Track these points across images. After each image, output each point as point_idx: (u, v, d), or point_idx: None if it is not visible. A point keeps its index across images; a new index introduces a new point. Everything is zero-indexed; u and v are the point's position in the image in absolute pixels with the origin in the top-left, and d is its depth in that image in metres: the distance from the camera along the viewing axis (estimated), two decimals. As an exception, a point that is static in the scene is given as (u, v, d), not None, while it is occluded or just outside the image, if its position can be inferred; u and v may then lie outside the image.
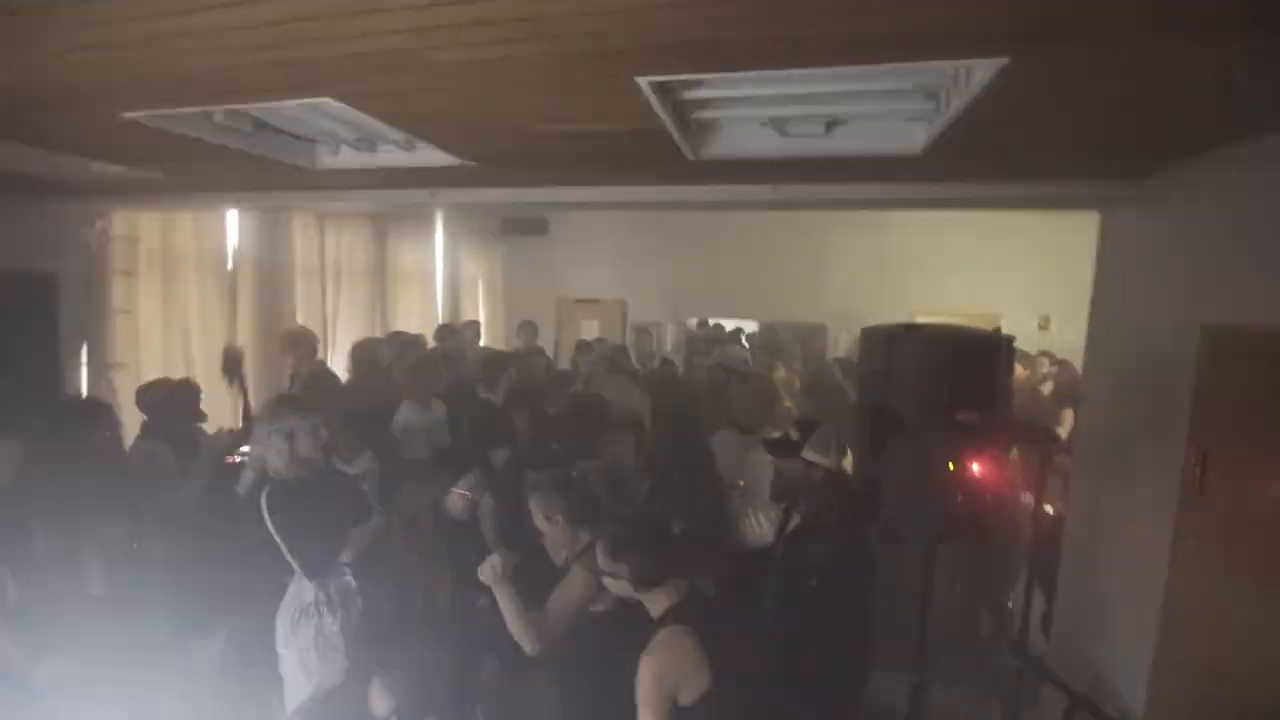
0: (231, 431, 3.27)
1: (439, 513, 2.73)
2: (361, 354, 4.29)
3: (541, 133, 2.26)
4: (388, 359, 4.46)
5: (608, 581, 1.97)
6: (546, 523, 2.35)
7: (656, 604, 1.90)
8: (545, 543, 2.52)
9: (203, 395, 3.34)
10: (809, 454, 2.60)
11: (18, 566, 2.14)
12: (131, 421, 4.04)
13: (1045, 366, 5.50)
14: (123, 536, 2.42)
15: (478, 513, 2.76)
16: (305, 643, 2.24)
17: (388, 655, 2.16)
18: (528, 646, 2.11)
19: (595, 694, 2.12)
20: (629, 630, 1.98)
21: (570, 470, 2.59)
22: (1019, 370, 4.62)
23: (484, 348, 5.46)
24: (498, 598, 2.11)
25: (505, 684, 2.36)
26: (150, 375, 4.20)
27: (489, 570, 2.10)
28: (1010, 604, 4.12)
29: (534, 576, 2.28)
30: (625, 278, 8.45)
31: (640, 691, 1.75)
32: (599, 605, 2.20)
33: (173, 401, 3.10)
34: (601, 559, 1.95)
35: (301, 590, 2.27)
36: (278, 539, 2.18)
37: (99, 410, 2.60)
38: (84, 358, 4.03)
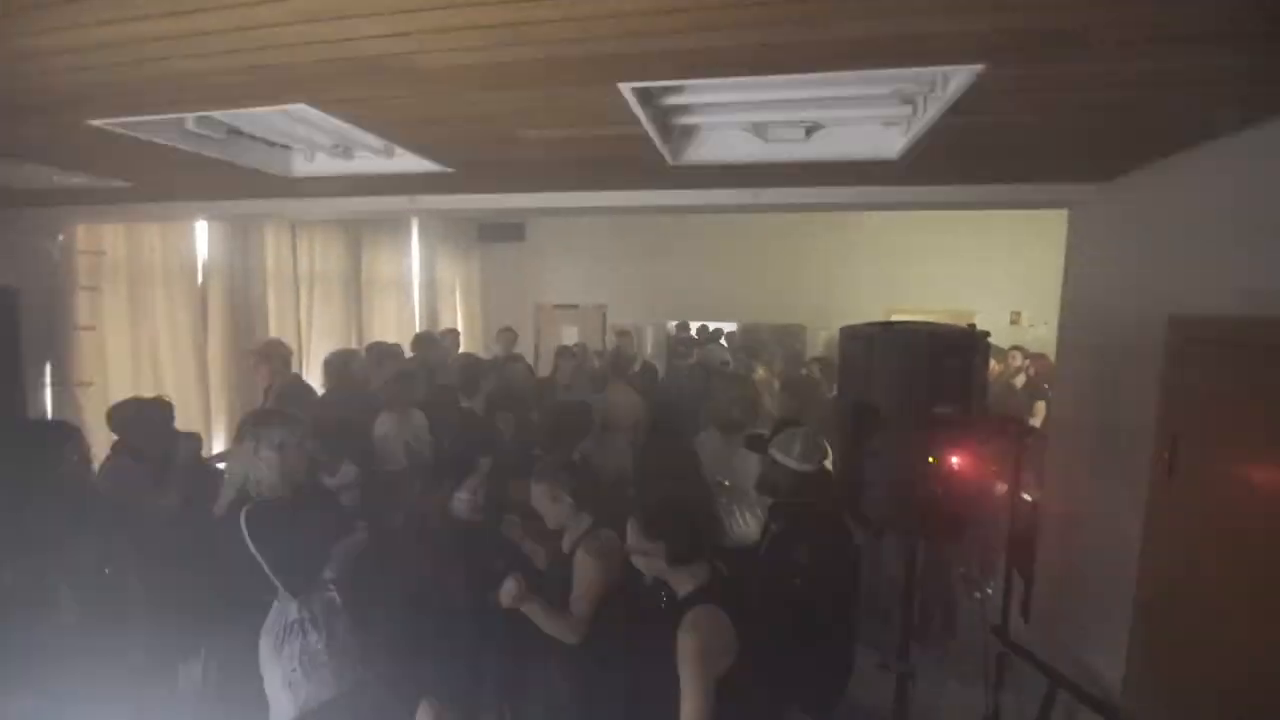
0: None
1: (446, 517, 2.74)
2: (336, 365, 4.22)
3: (522, 139, 2.26)
4: (364, 369, 4.40)
5: (638, 561, 1.98)
6: (553, 504, 2.40)
7: (684, 584, 1.92)
8: (528, 542, 2.59)
9: (175, 412, 3.26)
10: (774, 453, 2.63)
11: None
12: (100, 442, 3.94)
13: (1018, 360, 5.64)
14: (93, 562, 2.33)
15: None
16: (290, 661, 2.19)
17: (412, 669, 2.15)
18: (569, 641, 2.21)
19: (617, 676, 2.17)
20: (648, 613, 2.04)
21: (573, 455, 2.60)
22: (994, 366, 4.73)
23: (462, 354, 5.41)
24: (527, 614, 2.20)
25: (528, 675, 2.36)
26: (118, 393, 4.09)
27: (508, 595, 2.18)
28: (990, 590, 4.21)
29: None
30: (604, 282, 8.46)
31: (685, 667, 1.77)
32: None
33: (144, 419, 3.02)
34: (634, 539, 1.96)
35: (285, 609, 2.22)
36: (259, 558, 2.13)
37: (66, 432, 2.50)
38: (48, 376, 3.90)
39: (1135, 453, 2.35)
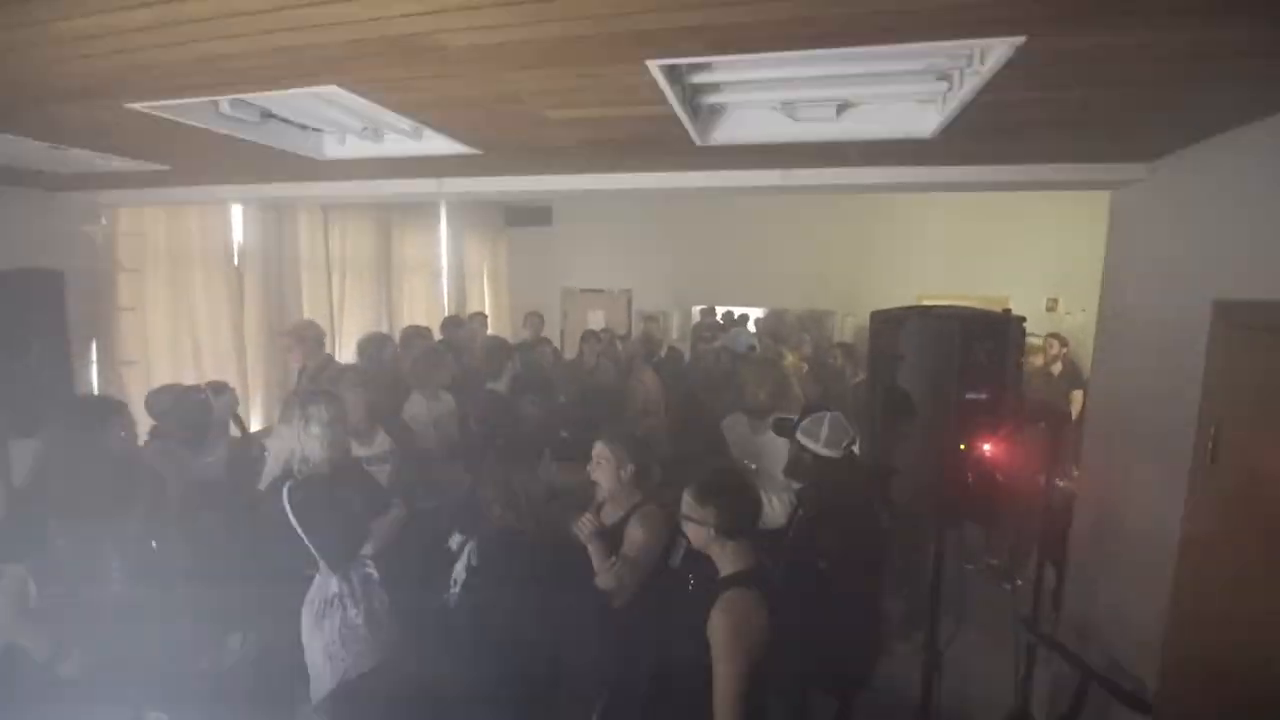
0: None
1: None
2: (368, 348, 4.30)
3: (550, 119, 2.25)
4: (395, 352, 4.48)
5: (689, 528, 1.99)
6: (616, 470, 2.42)
7: (728, 562, 1.93)
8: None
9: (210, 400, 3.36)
10: (801, 437, 2.62)
11: (38, 564, 2.16)
12: (144, 419, 4.08)
13: (1055, 348, 5.50)
14: (140, 534, 2.43)
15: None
16: (331, 634, 2.27)
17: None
18: (616, 599, 2.28)
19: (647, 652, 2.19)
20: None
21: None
22: (1032, 357, 4.63)
23: (488, 337, 5.47)
24: (590, 551, 2.29)
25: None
26: (159, 371, 4.23)
27: (584, 526, 2.29)
28: (1020, 581, 4.14)
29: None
30: (630, 267, 8.45)
31: (719, 646, 1.78)
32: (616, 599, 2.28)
33: (180, 408, 3.12)
34: (687, 505, 1.97)
35: (326, 583, 2.30)
36: (301, 533, 2.20)
37: (114, 408, 2.60)
38: (94, 355, 4.04)
39: (1176, 440, 2.28)
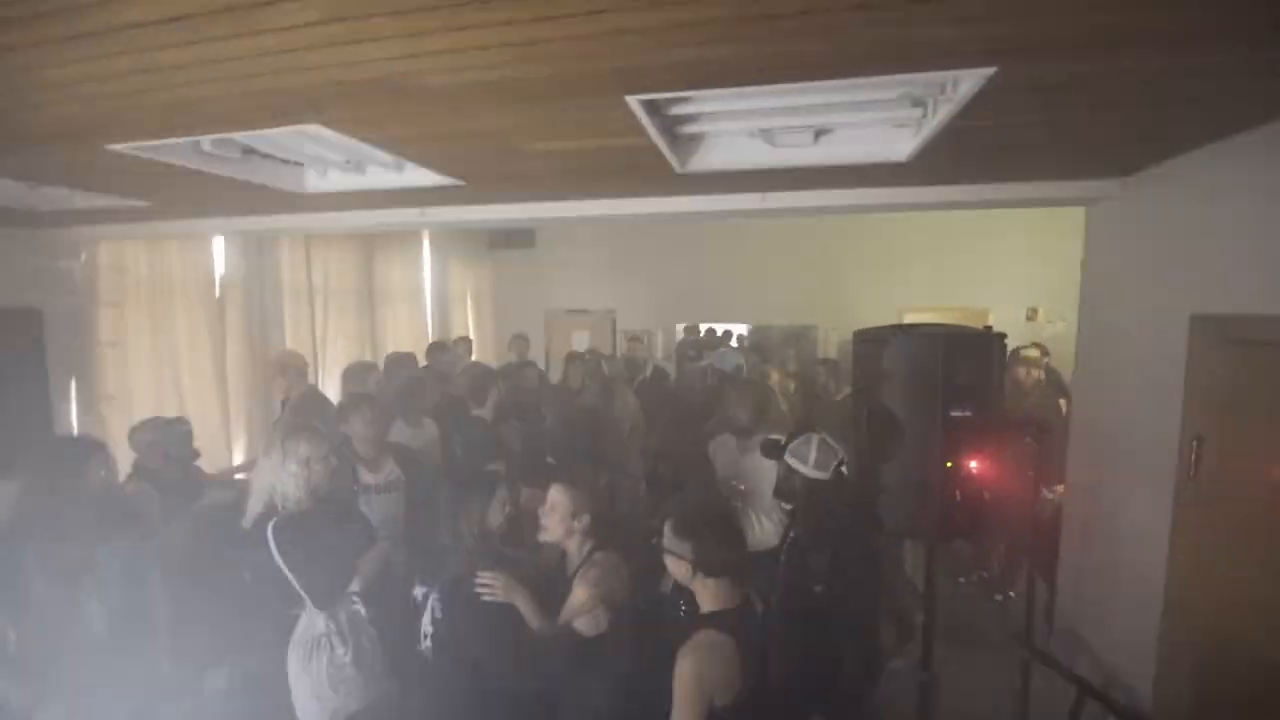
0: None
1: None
2: (354, 377, 4.26)
3: (531, 151, 2.27)
4: (379, 380, 4.44)
5: (669, 561, 1.92)
6: (571, 522, 2.23)
7: (708, 600, 1.86)
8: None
9: (193, 431, 3.31)
10: (790, 459, 2.62)
11: (17, 610, 2.11)
12: (124, 456, 4.00)
13: (1040, 359, 5.55)
14: (119, 575, 2.38)
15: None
16: (319, 674, 2.22)
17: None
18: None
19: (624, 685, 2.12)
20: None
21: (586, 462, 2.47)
22: (1020, 372, 4.68)
23: (470, 364, 5.46)
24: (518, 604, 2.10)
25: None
26: (141, 405, 4.16)
27: (495, 587, 2.08)
28: (1012, 594, 4.16)
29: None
30: (613, 287, 8.48)
31: (678, 690, 1.72)
32: (587, 630, 2.16)
33: (164, 441, 3.07)
34: (667, 538, 1.91)
35: (313, 621, 2.25)
36: (286, 571, 2.16)
37: (92, 448, 2.56)
38: (73, 391, 3.98)
39: (1159, 453, 2.32)
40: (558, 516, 2.23)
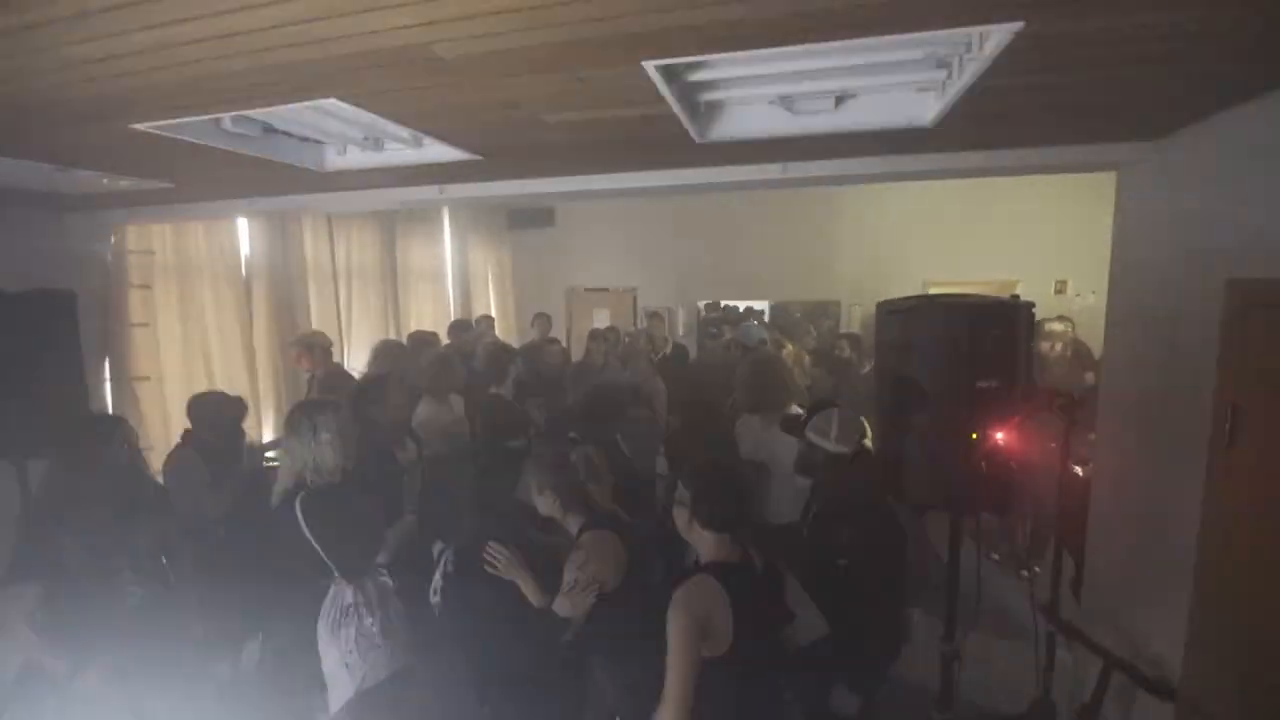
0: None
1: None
2: (382, 353, 4.32)
3: (549, 123, 2.25)
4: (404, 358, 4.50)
5: (675, 511, 1.95)
6: (539, 497, 2.33)
7: (706, 552, 1.88)
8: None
9: (247, 408, 3.41)
10: (810, 435, 2.59)
11: (54, 581, 2.20)
12: (158, 435, 4.12)
13: (1065, 333, 5.44)
14: (151, 547, 2.46)
15: None
16: (347, 644, 2.28)
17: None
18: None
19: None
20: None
21: (569, 452, 2.52)
22: (1046, 346, 4.59)
23: (489, 342, 5.50)
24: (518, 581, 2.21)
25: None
26: (172, 386, 4.28)
27: (499, 559, 2.19)
28: (1038, 569, 4.12)
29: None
30: (634, 265, 8.45)
31: (670, 633, 1.71)
32: (562, 612, 2.18)
33: (219, 416, 3.16)
34: (678, 488, 1.94)
35: (341, 592, 2.31)
36: (315, 544, 2.21)
37: (112, 424, 2.66)
38: (106, 372, 4.09)
39: (1192, 424, 2.26)
40: (547, 501, 2.32)
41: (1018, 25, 1.45)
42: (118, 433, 2.61)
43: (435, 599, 2.28)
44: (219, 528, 2.96)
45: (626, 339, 5.91)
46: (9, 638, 2.08)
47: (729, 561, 1.86)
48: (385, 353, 4.32)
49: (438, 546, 2.34)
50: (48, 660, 2.13)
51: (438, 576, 2.29)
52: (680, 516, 1.92)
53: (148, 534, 2.43)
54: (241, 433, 3.28)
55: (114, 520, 2.36)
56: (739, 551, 1.90)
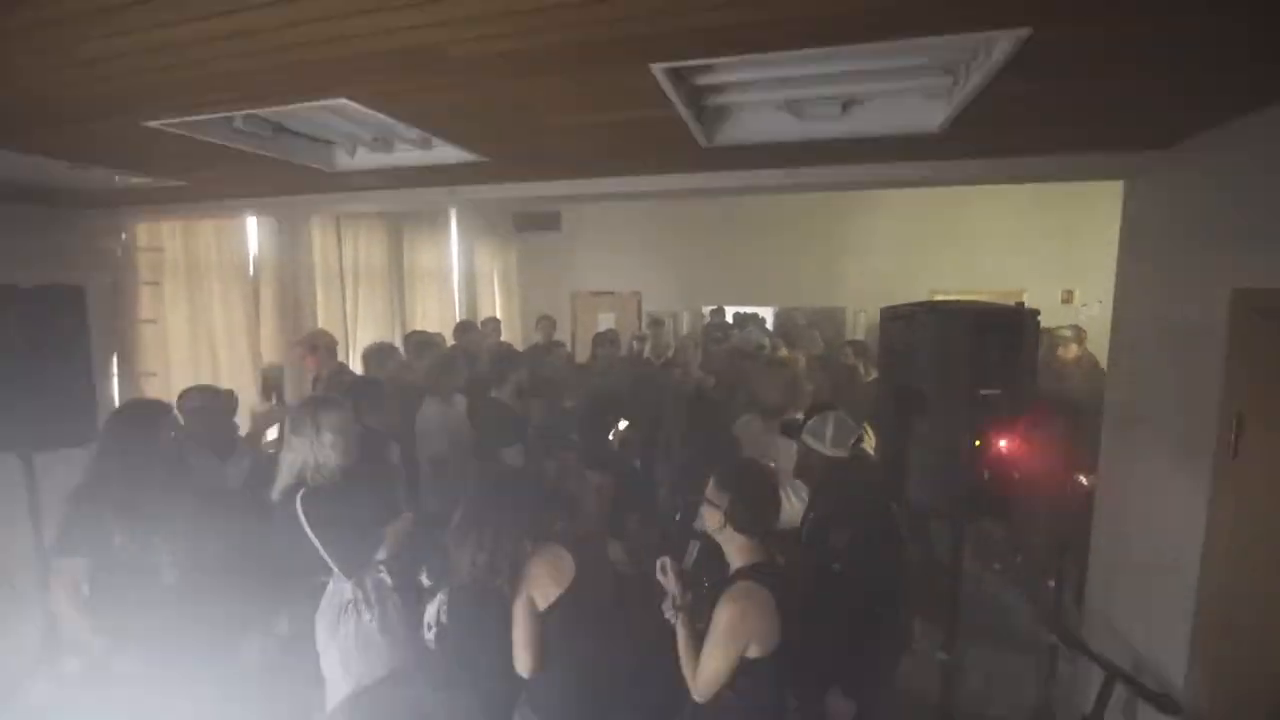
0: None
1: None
2: (375, 358, 4.32)
3: (556, 125, 2.27)
4: (402, 360, 4.50)
5: (705, 510, 1.99)
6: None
7: (737, 555, 1.93)
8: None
9: (238, 403, 3.43)
10: (806, 438, 2.59)
11: (98, 560, 2.23)
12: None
13: (1072, 341, 5.43)
14: (185, 530, 2.48)
15: None
16: (346, 641, 2.28)
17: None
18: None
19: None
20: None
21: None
22: (1063, 351, 4.59)
23: (494, 344, 5.51)
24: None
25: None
26: (179, 382, 4.29)
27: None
28: (1050, 582, 4.09)
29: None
30: (639, 269, 8.47)
31: (715, 632, 1.79)
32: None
33: (211, 409, 3.18)
34: (709, 489, 1.97)
35: (340, 589, 2.32)
36: (314, 541, 2.22)
37: (162, 410, 2.68)
38: (115, 367, 4.12)
39: (1197, 434, 2.25)
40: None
41: (1025, 31, 1.45)
42: (164, 419, 2.64)
43: (430, 634, 2.19)
44: (223, 519, 2.97)
45: (637, 343, 5.94)
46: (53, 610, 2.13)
47: (760, 562, 1.91)
48: (376, 356, 4.32)
49: (425, 578, 2.25)
50: (88, 635, 2.17)
51: (432, 613, 2.17)
52: (713, 517, 1.96)
53: (184, 519, 2.45)
54: (234, 426, 3.29)
55: (157, 504, 2.37)
56: (765, 553, 1.95)
